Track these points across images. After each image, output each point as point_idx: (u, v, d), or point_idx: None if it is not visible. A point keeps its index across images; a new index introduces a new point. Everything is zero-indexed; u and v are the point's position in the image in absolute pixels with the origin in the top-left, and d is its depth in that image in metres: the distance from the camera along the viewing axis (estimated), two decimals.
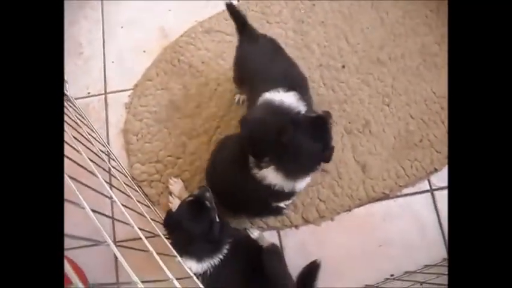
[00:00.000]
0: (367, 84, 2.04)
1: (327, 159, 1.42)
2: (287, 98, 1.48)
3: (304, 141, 1.38)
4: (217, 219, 1.51)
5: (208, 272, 1.47)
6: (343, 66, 2.07)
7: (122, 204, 1.31)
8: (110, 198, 1.22)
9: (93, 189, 1.18)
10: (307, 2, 2.21)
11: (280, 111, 1.46)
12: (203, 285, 1.20)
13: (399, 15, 2.17)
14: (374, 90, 2.03)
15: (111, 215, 1.84)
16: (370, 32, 2.14)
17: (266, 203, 1.58)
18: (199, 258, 1.47)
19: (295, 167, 1.42)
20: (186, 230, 1.47)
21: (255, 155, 1.48)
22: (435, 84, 2.03)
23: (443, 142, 1.93)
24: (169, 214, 1.54)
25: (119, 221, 1.26)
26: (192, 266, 1.45)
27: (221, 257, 1.49)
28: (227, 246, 1.51)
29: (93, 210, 1.02)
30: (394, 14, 2.17)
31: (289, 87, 1.51)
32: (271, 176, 1.43)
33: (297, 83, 1.61)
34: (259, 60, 1.65)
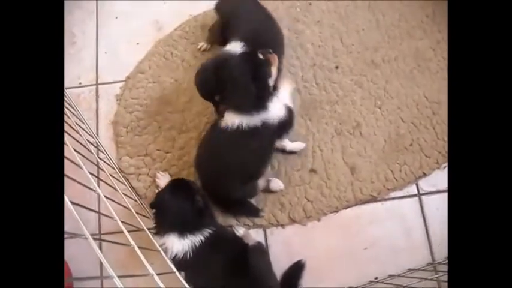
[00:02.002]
0: (359, 86, 2.03)
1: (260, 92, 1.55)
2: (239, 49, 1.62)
3: (239, 74, 1.52)
4: (201, 199, 1.57)
5: (189, 254, 1.48)
6: (337, 67, 2.07)
7: (108, 198, 1.31)
8: (96, 192, 1.21)
9: (79, 183, 1.17)
10: (304, 1, 2.20)
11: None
12: (184, 278, 1.21)
13: (395, 18, 2.16)
14: (366, 92, 2.02)
15: (97, 207, 1.85)
16: (365, 34, 2.13)
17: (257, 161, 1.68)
18: (181, 233, 1.49)
19: (240, 100, 1.54)
20: (169, 203, 1.53)
21: (205, 97, 1.67)
22: (428, 89, 2.03)
23: (433, 147, 1.94)
24: (157, 194, 1.62)
25: (104, 215, 1.25)
26: (174, 243, 1.48)
27: (202, 238, 1.50)
28: (210, 230, 1.53)
29: (78, 205, 1.02)
30: (390, 17, 2.16)
31: (259, 41, 1.64)
32: (229, 117, 1.55)
33: (270, 37, 1.76)
34: (235, 11, 1.79)
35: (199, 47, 2.11)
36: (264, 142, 1.65)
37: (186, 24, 2.19)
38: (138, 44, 2.18)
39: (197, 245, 1.49)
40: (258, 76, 1.54)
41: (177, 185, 1.62)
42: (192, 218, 1.53)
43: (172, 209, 1.53)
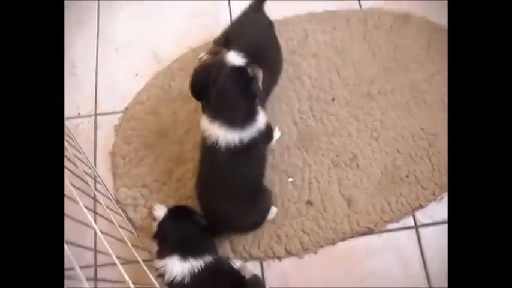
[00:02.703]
0: (355, 118, 2.05)
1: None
2: (236, 60, 1.64)
3: (228, 86, 1.57)
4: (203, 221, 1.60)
5: (186, 280, 1.47)
6: (333, 99, 2.09)
7: (104, 232, 1.31)
8: (92, 227, 1.22)
9: (76, 220, 1.18)
10: (301, 33, 2.24)
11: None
12: None
13: (391, 50, 2.19)
14: (363, 124, 2.04)
15: (93, 241, 1.84)
16: (362, 66, 2.16)
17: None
18: (183, 255, 1.49)
19: (230, 115, 1.57)
20: (172, 225, 1.58)
21: (195, 96, 1.73)
22: (424, 121, 2.05)
23: (430, 178, 1.94)
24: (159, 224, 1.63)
25: (100, 252, 1.26)
26: (175, 265, 1.48)
27: (203, 264, 1.50)
28: (211, 258, 1.53)
29: (73, 244, 1.02)
30: (386, 49, 2.20)
31: (258, 60, 1.66)
32: (221, 132, 1.57)
33: (270, 60, 1.81)
34: (248, 28, 1.84)
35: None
36: (259, 151, 1.70)
37: (185, 57, 2.22)
38: (137, 75, 2.21)
39: (196, 270, 1.48)
40: (247, 91, 1.59)
41: (179, 209, 1.66)
42: (195, 239, 1.55)
43: (175, 230, 1.55)
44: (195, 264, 1.49)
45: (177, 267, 1.48)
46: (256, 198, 1.74)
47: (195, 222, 1.60)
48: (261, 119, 1.65)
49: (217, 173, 1.65)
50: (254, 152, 1.65)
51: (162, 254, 1.53)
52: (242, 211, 1.71)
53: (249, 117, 1.59)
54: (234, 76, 1.60)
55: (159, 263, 1.50)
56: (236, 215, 1.71)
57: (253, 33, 1.88)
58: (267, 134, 1.72)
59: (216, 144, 1.57)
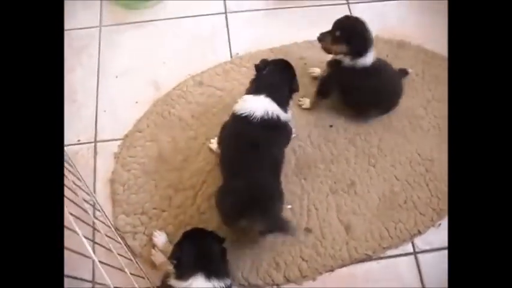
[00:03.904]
0: (353, 145, 2.08)
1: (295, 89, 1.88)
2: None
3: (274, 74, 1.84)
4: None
5: None
6: (331, 126, 2.12)
7: (102, 262, 1.32)
8: (91, 258, 1.22)
9: (74, 251, 1.18)
10: (298, 60, 2.28)
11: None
12: None
13: None
14: (360, 150, 2.07)
15: (91, 271, 1.83)
16: None
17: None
18: (207, 275, 1.48)
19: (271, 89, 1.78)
20: (194, 244, 1.56)
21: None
22: (420, 146, 2.08)
23: (427, 204, 1.96)
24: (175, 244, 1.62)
25: (98, 283, 1.26)
26: (201, 285, 1.46)
27: (224, 286, 1.49)
28: (228, 283, 1.53)
29: (71, 277, 1.03)
30: None
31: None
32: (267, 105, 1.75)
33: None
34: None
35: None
36: (287, 137, 1.88)
37: (184, 84, 2.26)
38: (136, 102, 2.23)
39: None
40: (291, 84, 1.86)
41: (197, 231, 1.65)
42: (217, 260, 1.54)
43: (197, 251, 1.53)
44: (217, 285, 1.48)
45: (201, 285, 1.46)
46: (277, 185, 1.77)
47: (215, 244, 1.59)
48: (289, 113, 1.85)
49: (248, 142, 1.73)
50: (281, 134, 1.82)
51: (183, 274, 1.49)
52: (268, 185, 1.72)
53: (286, 103, 1.82)
54: (283, 68, 1.87)
55: (181, 284, 1.48)
56: (263, 187, 1.69)
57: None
58: (289, 130, 1.89)
59: (252, 116, 1.72)
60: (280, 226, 1.66)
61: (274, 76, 1.83)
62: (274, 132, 1.76)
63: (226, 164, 1.80)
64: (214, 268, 1.51)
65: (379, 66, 1.98)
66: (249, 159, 1.71)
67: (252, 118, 1.72)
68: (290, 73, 1.88)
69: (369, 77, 1.95)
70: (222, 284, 1.49)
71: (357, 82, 1.97)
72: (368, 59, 1.92)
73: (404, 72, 2.19)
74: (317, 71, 2.26)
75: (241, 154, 1.74)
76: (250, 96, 1.78)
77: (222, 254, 1.59)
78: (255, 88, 1.80)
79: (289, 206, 1.94)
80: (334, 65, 1.99)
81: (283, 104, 1.79)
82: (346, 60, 1.93)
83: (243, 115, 1.73)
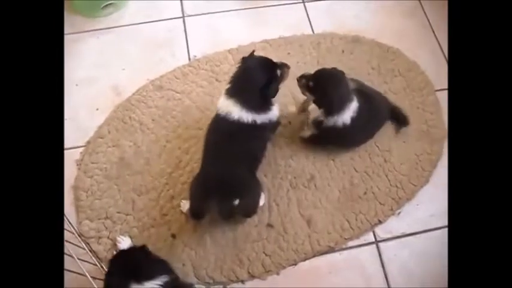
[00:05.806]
0: None
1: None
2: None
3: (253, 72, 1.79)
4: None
5: None
6: (290, 123, 2.17)
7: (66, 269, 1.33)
8: None
9: None
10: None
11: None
12: None
13: (345, 72, 2.26)
14: (319, 145, 2.11)
15: None
16: None
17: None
18: (137, 280, 1.50)
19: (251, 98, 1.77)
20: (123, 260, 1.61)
21: None
22: (378, 138, 2.14)
23: (387, 194, 2.02)
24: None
25: None
26: None
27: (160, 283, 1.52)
28: (165, 279, 1.54)
29: None
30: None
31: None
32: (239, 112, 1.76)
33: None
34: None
35: None
36: (265, 135, 1.90)
37: (144, 89, 2.28)
38: (97, 109, 2.24)
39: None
40: (269, 84, 1.78)
41: (117, 253, 1.71)
42: (143, 264, 1.56)
43: (123, 264, 1.57)
44: (149, 285, 1.49)
45: None
46: (253, 176, 1.85)
47: (136, 251, 1.66)
48: (275, 111, 1.86)
49: (227, 141, 1.76)
50: (260, 133, 1.84)
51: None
52: (243, 178, 1.79)
53: (264, 107, 1.80)
54: (262, 68, 1.82)
55: None
56: (237, 180, 1.77)
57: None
58: (276, 124, 1.95)
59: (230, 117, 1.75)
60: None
61: (246, 80, 1.80)
62: (251, 132, 1.79)
63: (204, 155, 1.84)
64: (143, 272, 1.53)
65: (364, 109, 1.93)
66: (223, 151, 1.77)
67: (229, 118, 1.76)
68: (265, 76, 1.78)
69: (353, 127, 1.91)
70: (158, 282, 1.51)
71: (343, 135, 1.96)
72: (345, 116, 1.87)
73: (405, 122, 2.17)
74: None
75: (216, 146, 1.81)
76: (225, 99, 1.79)
77: (145, 255, 1.62)
78: (229, 90, 1.80)
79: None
80: (317, 125, 1.97)
81: (258, 108, 1.78)
82: (326, 120, 1.90)
83: (221, 115, 1.78)
